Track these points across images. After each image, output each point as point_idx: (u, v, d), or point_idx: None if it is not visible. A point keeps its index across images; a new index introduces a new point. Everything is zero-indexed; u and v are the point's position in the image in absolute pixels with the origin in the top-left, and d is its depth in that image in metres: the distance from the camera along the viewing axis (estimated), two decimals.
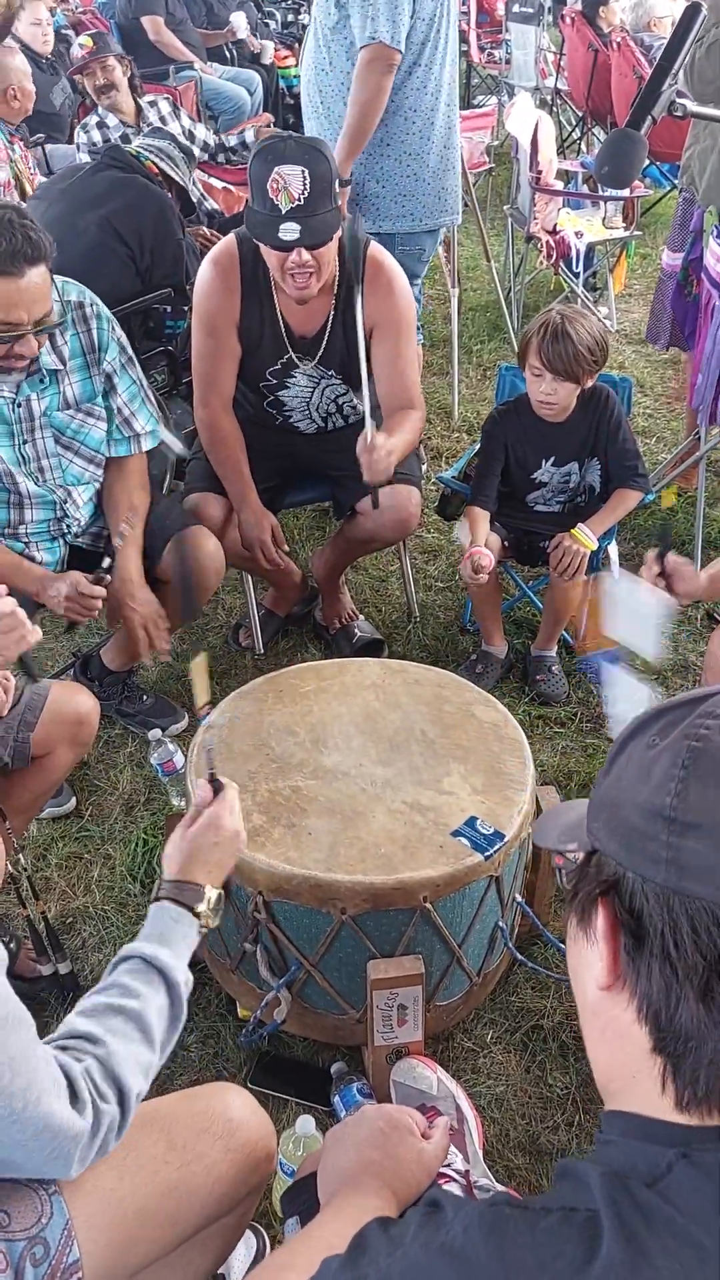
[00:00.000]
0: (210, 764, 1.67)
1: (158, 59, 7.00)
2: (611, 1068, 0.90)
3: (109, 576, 2.59)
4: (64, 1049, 1.31)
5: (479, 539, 3.02)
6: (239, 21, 7.81)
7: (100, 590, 2.55)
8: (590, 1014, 0.92)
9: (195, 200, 3.85)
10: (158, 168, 3.64)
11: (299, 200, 2.59)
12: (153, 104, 5.04)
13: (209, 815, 1.59)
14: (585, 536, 2.97)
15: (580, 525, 2.99)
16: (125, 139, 4.72)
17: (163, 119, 5.02)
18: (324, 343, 2.95)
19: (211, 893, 1.53)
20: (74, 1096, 1.24)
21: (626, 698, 2.20)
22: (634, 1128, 0.86)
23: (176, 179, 3.69)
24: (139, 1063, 1.33)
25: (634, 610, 2.27)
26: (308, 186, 2.59)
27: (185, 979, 1.44)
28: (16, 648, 1.97)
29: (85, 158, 4.68)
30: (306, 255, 2.67)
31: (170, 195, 3.71)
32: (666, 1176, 0.79)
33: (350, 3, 3.29)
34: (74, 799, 2.83)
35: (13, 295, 2.28)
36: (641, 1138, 0.84)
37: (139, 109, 4.99)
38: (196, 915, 1.50)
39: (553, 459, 3.10)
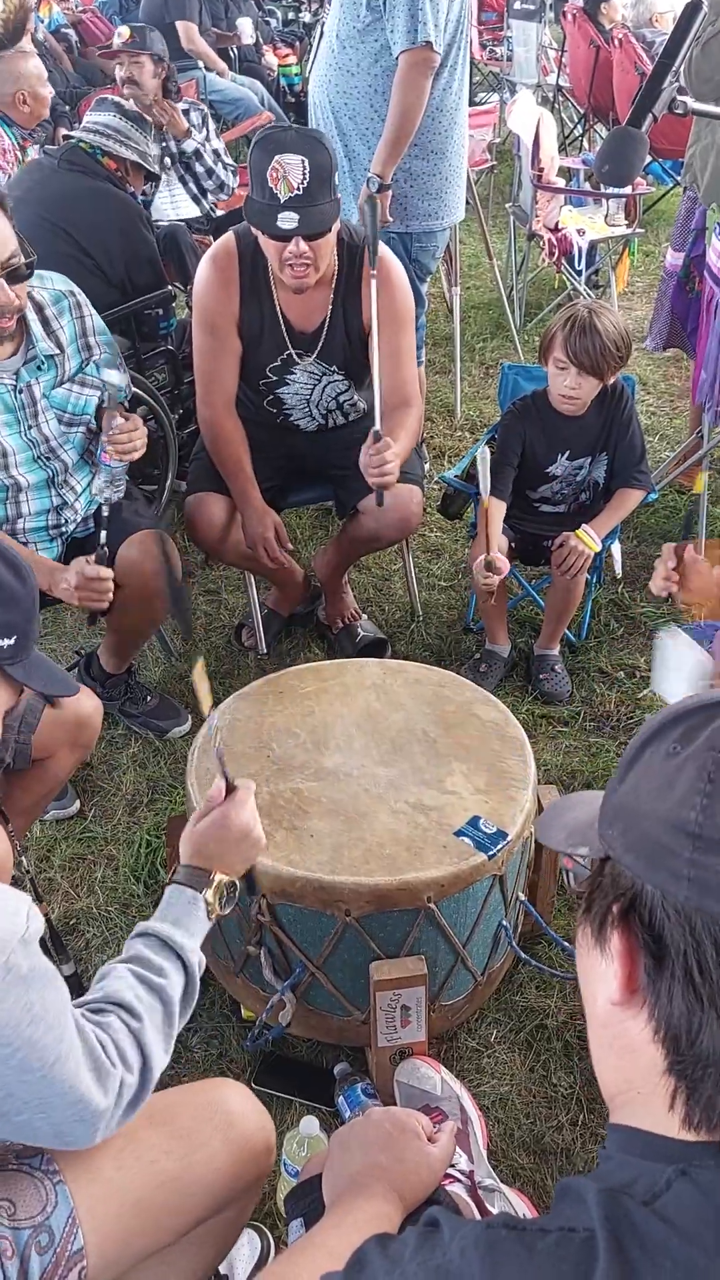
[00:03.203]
0: (223, 765, 1.68)
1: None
2: (618, 1080, 0.89)
3: (105, 555, 2.56)
4: (98, 1011, 1.33)
5: (494, 533, 3.00)
6: (245, 27, 7.82)
7: (108, 571, 2.52)
8: (599, 1024, 0.90)
9: (153, 169, 3.80)
10: (115, 159, 3.60)
11: (298, 190, 2.60)
12: (185, 112, 5.01)
13: (218, 814, 1.60)
14: (589, 537, 2.97)
15: (585, 526, 2.99)
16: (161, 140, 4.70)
17: (188, 130, 4.99)
18: (323, 337, 2.95)
19: (221, 878, 1.54)
20: (96, 1065, 1.26)
21: (677, 666, 2.16)
22: (635, 1143, 0.85)
23: (133, 158, 3.65)
24: (161, 1041, 1.36)
25: (679, 668, 2.22)
26: (307, 176, 2.59)
27: (199, 961, 1.47)
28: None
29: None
30: (304, 245, 2.67)
31: (132, 188, 3.69)
32: (664, 1194, 0.78)
33: (393, 6, 3.27)
34: (77, 801, 2.83)
35: None
36: (642, 1154, 0.84)
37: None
38: (206, 901, 1.52)
39: (568, 453, 3.10)
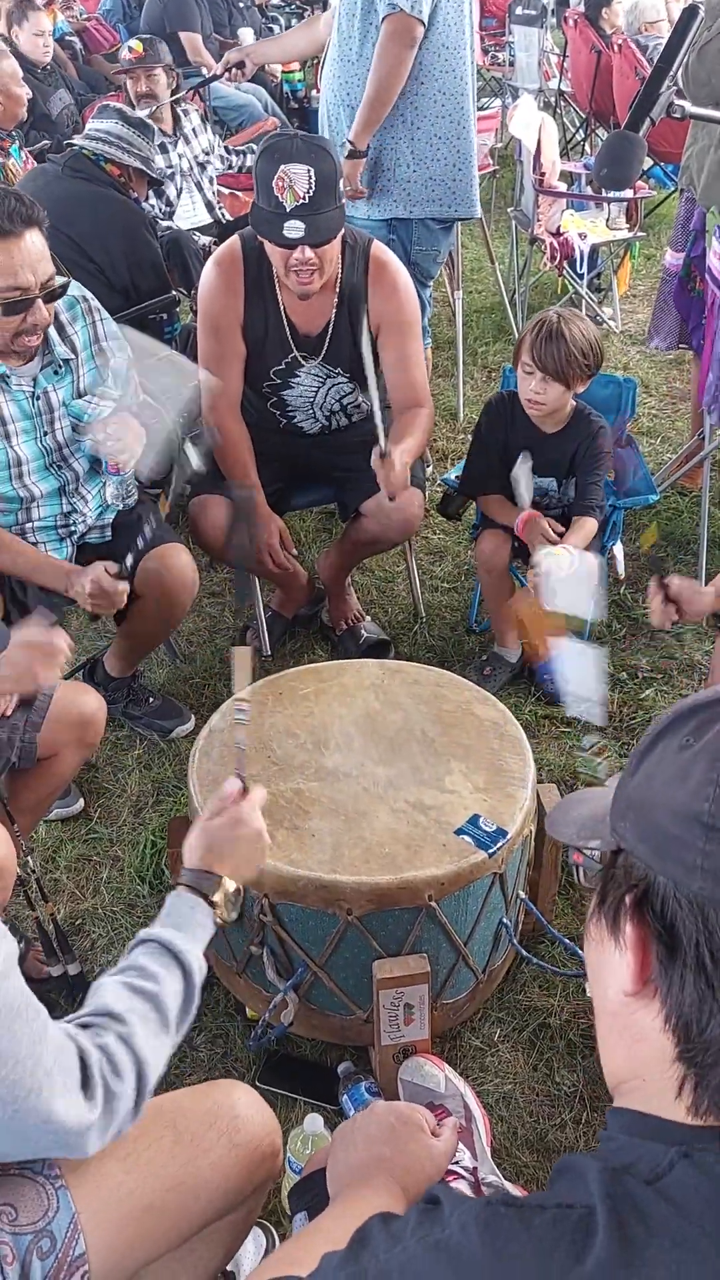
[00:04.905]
0: (241, 764, 1.69)
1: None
2: (625, 1069, 0.90)
3: (128, 570, 2.57)
4: (86, 1026, 1.32)
5: (523, 502, 2.98)
6: (246, 37, 7.86)
7: (124, 586, 2.54)
8: (609, 1014, 0.91)
9: (156, 174, 3.83)
10: (119, 166, 3.63)
11: (304, 199, 2.62)
12: (186, 113, 5.06)
13: (232, 812, 1.60)
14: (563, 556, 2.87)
15: (565, 546, 2.88)
16: (163, 149, 4.73)
17: (194, 130, 5.03)
18: (328, 341, 2.97)
19: (229, 884, 1.53)
20: (86, 1081, 1.25)
21: (577, 669, 2.23)
22: (638, 1125, 0.86)
23: (136, 164, 3.67)
24: (157, 1044, 1.34)
25: (566, 579, 2.29)
26: (313, 185, 2.61)
27: (199, 966, 1.45)
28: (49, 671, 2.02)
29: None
30: (310, 253, 2.70)
31: (135, 194, 3.71)
32: (667, 1175, 0.79)
33: None
34: (81, 800, 2.85)
35: (15, 256, 2.31)
36: (644, 1135, 0.85)
37: (176, 119, 5.01)
38: (211, 905, 1.50)
39: (529, 464, 3.11)
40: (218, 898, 1.51)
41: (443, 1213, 0.85)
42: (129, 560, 2.55)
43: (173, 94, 5.03)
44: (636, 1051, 0.88)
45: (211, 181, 5.07)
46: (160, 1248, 1.40)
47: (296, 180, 2.61)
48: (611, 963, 0.89)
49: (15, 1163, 1.34)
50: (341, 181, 3.40)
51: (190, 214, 4.93)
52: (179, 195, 4.87)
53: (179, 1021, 1.40)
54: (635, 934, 0.85)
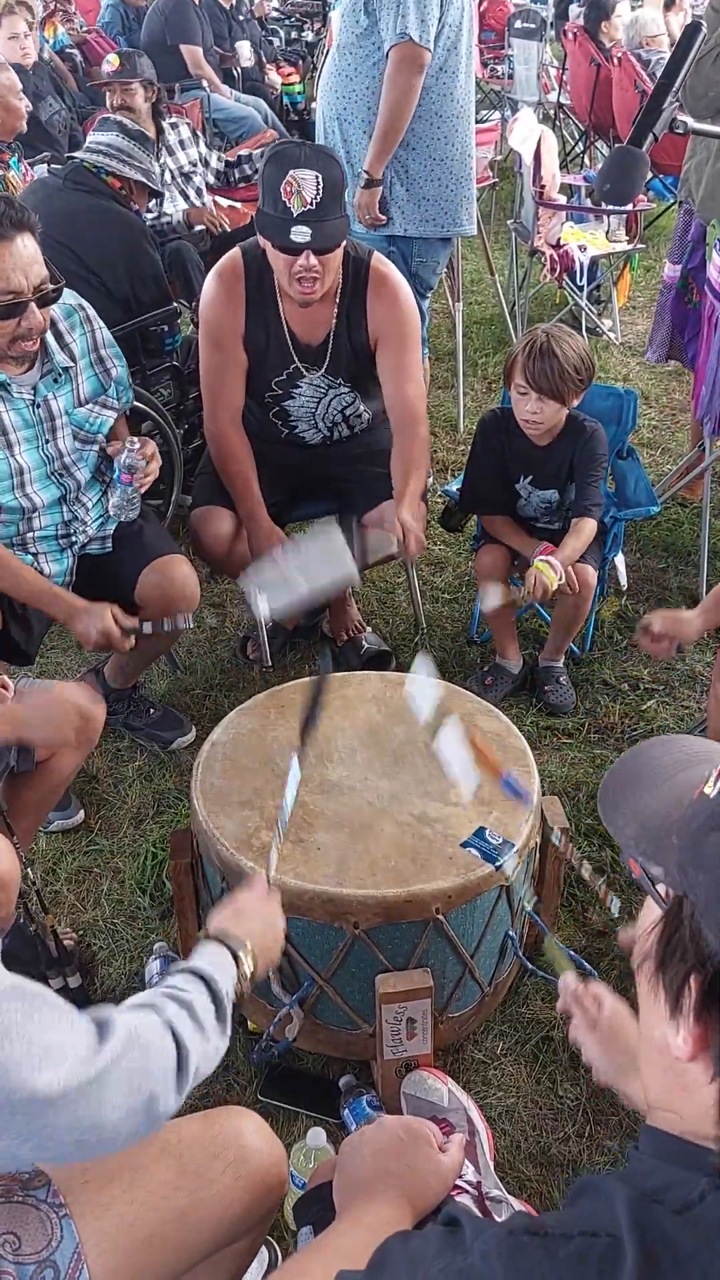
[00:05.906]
0: (273, 861, 1.76)
1: (167, 76, 7.07)
2: (663, 1101, 0.88)
3: (145, 632, 2.59)
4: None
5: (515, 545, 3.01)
6: (244, 50, 7.91)
7: (130, 643, 2.56)
8: (655, 1050, 0.87)
9: (159, 187, 3.86)
10: (119, 178, 3.64)
11: (311, 205, 2.63)
12: (174, 126, 5.08)
13: (263, 893, 1.60)
14: (549, 568, 2.89)
15: (546, 557, 2.92)
16: None
17: (181, 143, 5.05)
18: (329, 350, 2.98)
19: (254, 957, 1.47)
20: (103, 1033, 1.18)
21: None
22: (670, 1147, 0.85)
23: (137, 177, 3.69)
24: (191, 1032, 1.27)
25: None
26: (320, 191, 2.63)
27: (228, 992, 1.39)
28: None
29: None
30: (314, 259, 2.70)
31: (136, 206, 3.73)
32: (698, 1205, 0.78)
33: (380, 6, 3.33)
34: (82, 811, 2.84)
35: (7, 260, 2.32)
36: (676, 1161, 0.83)
37: (160, 131, 5.03)
38: (237, 960, 1.44)
39: (531, 478, 3.12)
40: (243, 954, 1.45)
41: (464, 1238, 0.84)
42: (146, 627, 2.58)
43: (153, 107, 5.04)
44: (679, 1097, 0.85)
45: (199, 193, 5.08)
46: (164, 1278, 1.38)
47: (305, 185, 2.62)
48: (666, 1021, 0.83)
49: (20, 1189, 1.33)
50: (361, 211, 3.46)
51: (178, 217, 4.96)
52: (161, 203, 4.88)
53: (216, 1030, 1.33)
54: (699, 1027, 0.80)
